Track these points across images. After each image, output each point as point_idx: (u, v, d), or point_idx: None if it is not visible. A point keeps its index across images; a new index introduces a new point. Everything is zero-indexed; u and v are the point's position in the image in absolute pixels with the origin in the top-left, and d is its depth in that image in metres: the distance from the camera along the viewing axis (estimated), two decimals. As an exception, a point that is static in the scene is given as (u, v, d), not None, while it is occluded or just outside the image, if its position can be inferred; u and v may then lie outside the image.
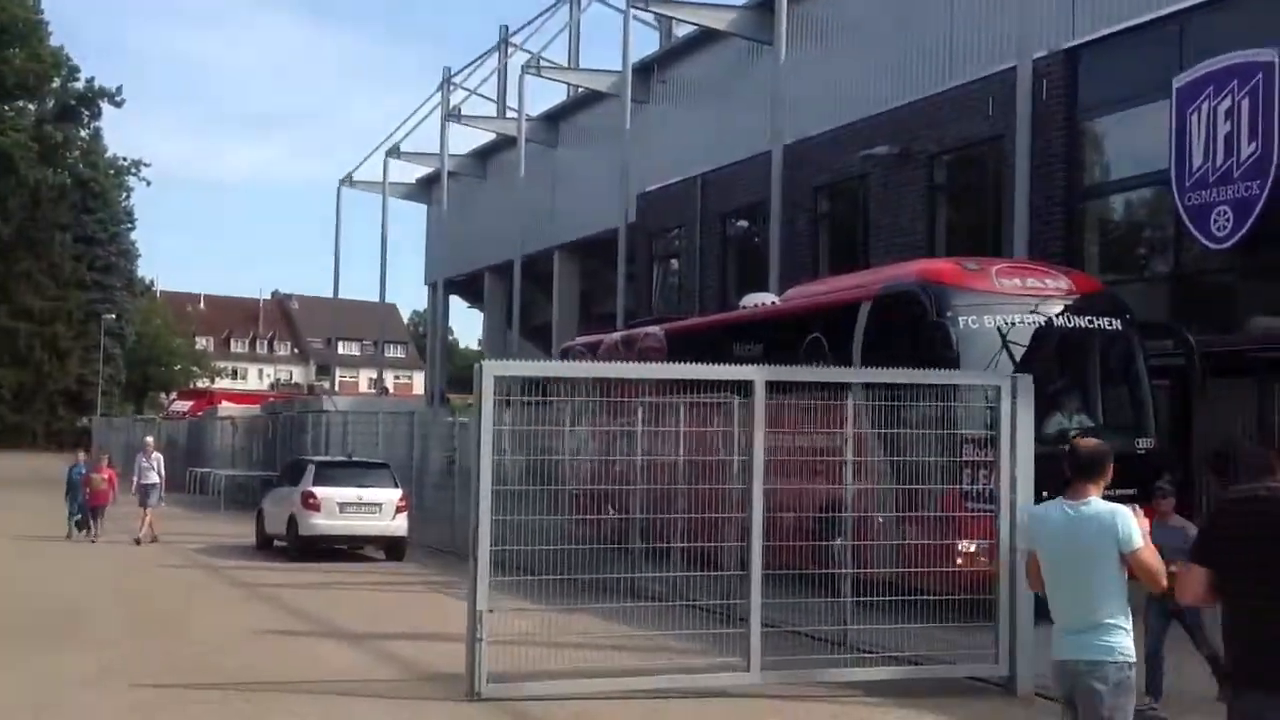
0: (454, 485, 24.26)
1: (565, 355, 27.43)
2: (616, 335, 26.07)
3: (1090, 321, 17.08)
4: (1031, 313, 16.51)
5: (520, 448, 11.84)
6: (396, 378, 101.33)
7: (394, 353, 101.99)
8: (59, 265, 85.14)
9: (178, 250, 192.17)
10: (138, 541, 23.96)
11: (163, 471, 26.20)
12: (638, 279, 35.68)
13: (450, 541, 23.24)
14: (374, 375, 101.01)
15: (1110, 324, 17.12)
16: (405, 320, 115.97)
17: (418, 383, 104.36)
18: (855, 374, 12.15)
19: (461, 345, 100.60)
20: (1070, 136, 22.57)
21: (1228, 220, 19.56)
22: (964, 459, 12.98)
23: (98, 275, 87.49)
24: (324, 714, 10.07)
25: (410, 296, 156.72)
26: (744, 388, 11.32)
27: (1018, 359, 15.88)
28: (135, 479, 25.63)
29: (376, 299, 66.12)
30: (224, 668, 11.65)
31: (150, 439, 28.09)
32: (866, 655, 11.61)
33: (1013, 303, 16.53)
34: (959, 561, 12.74)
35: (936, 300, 16.53)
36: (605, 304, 45.19)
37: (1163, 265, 21.85)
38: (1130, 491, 16.76)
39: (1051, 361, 17.54)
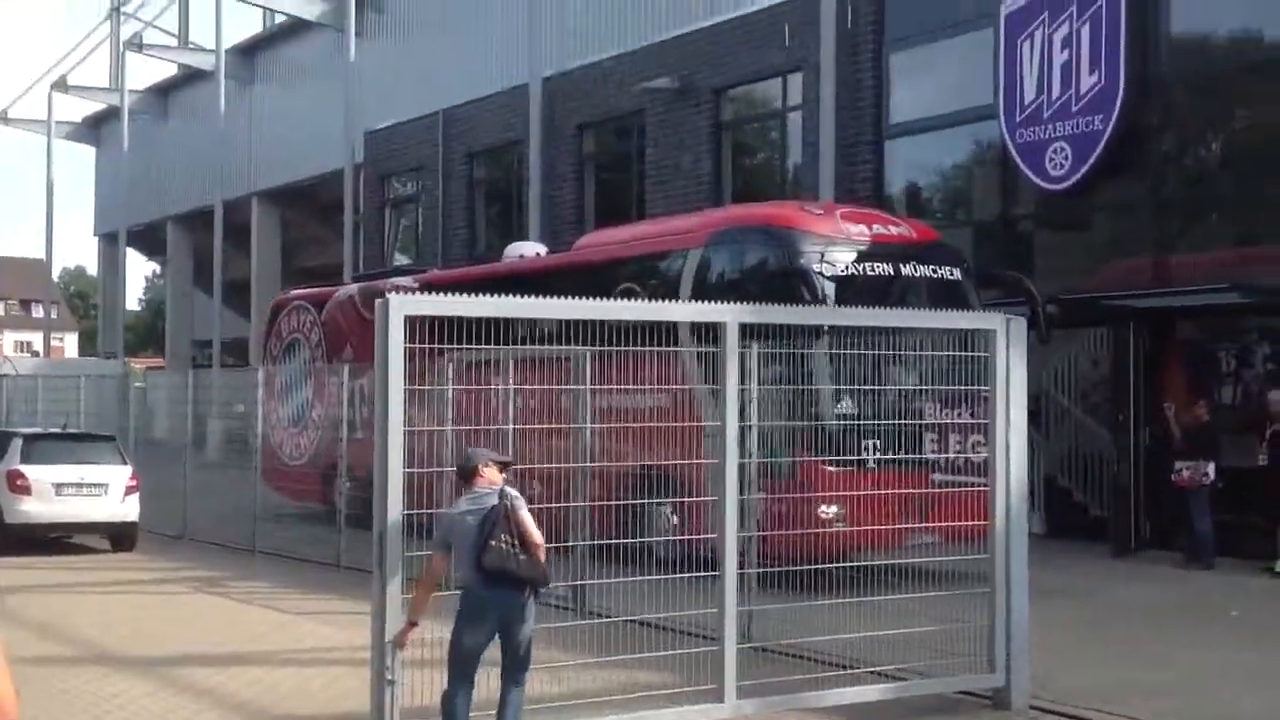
0: (185, 459, 20.80)
1: (277, 312, 24.27)
2: (352, 288, 23.07)
3: (934, 271, 15.85)
4: (880, 261, 15.26)
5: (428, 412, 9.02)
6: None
7: (40, 313, 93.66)
8: None
9: None
10: None
11: None
12: (361, 228, 32.39)
13: (181, 525, 19.85)
14: (20, 339, 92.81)
15: (951, 274, 15.89)
16: (55, 278, 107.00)
17: (70, 345, 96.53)
18: (842, 314, 9.84)
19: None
20: (879, 68, 20.89)
21: (1066, 158, 18.23)
22: (927, 420, 10.89)
23: None
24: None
25: (63, 251, 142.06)
26: (707, 332, 8.74)
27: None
28: None
29: (26, 253, 59.70)
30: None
31: None
32: (850, 671, 9.39)
33: (861, 249, 15.25)
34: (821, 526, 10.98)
35: (787, 245, 15.02)
36: (311, 257, 41.51)
37: (987, 209, 20.44)
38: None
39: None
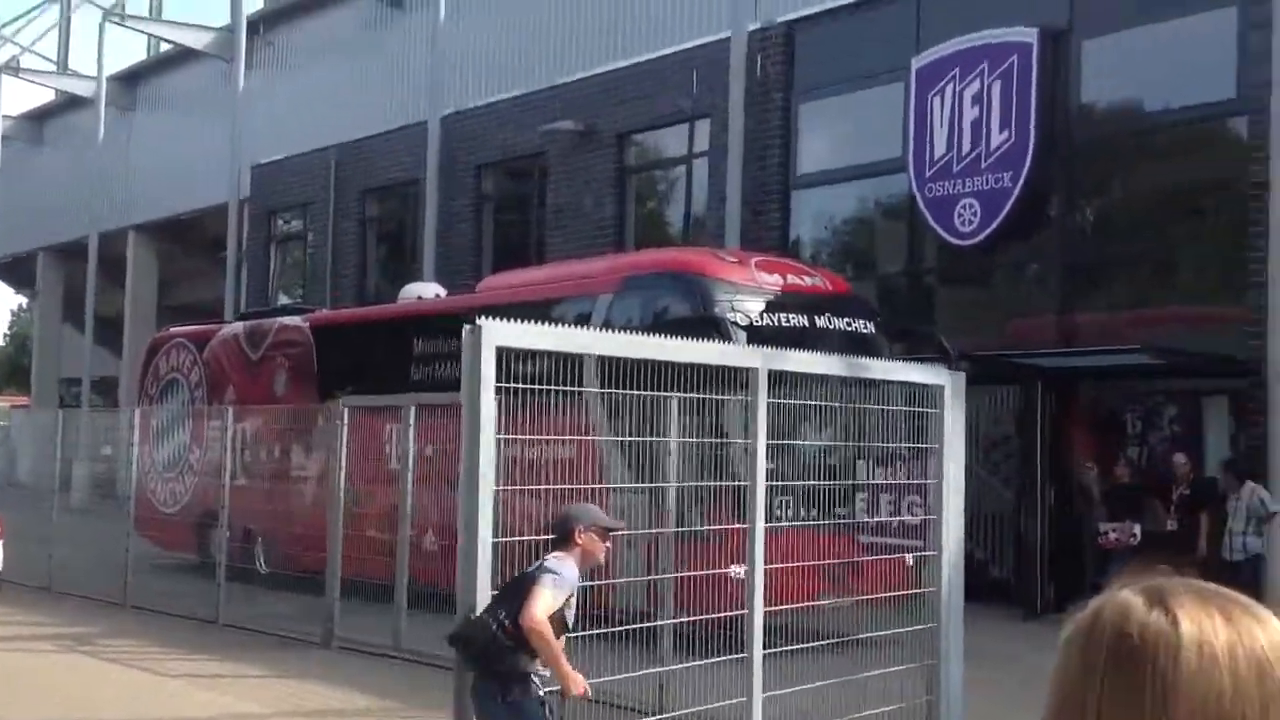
0: (52, 504, 19.66)
1: (156, 350, 23.23)
2: (238, 326, 22.14)
3: (848, 324, 15.53)
4: (794, 311, 14.92)
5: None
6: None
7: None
8: None
9: None
10: None
11: None
12: (243, 265, 31.36)
13: (47, 576, 18.68)
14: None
15: (865, 327, 15.56)
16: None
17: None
18: (851, 365, 9.37)
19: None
20: (788, 118, 20.60)
21: (974, 214, 18.04)
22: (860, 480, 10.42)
23: None
24: None
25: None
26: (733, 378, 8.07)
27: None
28: None
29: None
30: None
31: None
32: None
33: (774, 298, 14.85)
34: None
35: (701, 293, 14.59)
36: (189, 294, 40.15)
37: (895, 263, 20.19)
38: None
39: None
